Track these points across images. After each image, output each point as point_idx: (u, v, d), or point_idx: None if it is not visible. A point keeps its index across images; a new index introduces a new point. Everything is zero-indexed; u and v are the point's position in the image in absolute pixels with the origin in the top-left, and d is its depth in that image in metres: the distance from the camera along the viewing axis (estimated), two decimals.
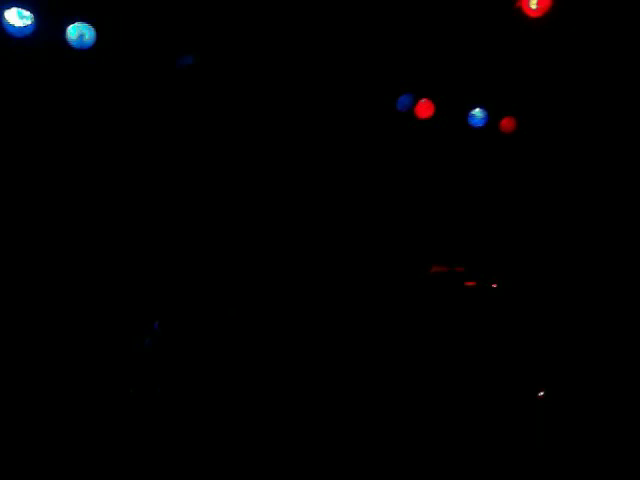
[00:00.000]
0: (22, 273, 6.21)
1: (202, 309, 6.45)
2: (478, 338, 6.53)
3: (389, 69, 6.76)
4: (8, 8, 5.74)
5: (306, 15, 6.29)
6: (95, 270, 6.39)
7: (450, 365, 6.41)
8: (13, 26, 5.78)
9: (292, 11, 6.26)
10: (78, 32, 5.96)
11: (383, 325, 6.65)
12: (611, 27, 6.14)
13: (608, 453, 5.59)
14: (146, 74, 6.29)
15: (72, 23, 5.93)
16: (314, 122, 6.84)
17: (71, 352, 6.09)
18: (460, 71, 6.78)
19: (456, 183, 7.15)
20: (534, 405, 6.13)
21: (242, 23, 6.29)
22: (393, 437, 5.91)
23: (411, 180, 7.13)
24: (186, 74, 6.36)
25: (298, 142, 6.87)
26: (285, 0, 6.21)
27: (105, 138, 6.43)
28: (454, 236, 7.12)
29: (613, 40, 6.23)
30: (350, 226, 6.98)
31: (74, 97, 6.29)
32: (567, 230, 6.89)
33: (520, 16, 6.01)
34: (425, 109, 6.89)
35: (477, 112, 6.95)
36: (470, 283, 6.79)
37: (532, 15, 5.97)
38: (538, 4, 5.92)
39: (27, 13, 5.78)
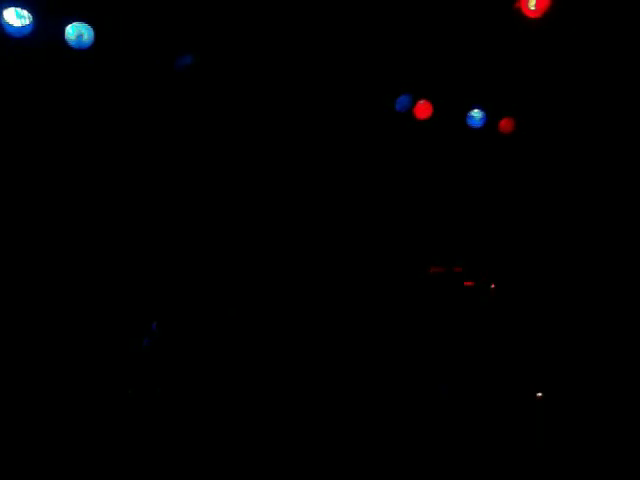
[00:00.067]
0: (20, 274, 6.20)
1: (200, 309, 6.45)
2: (476, 337, 6.53)
3: (388, 70, 6.76)
4: (6, 8, 5.73)
5: (305, 16, 6.28)
6: (93, 271, 6.38)
7: (449, 364, 6.41)
8: (12, 26, 5.77)
9: (291, 12, 6.25)
10: (76, 32, 5.95)
11: (382, 324, 6.65)
12: (610, 28, 6.14)
13: (606, 453, 5.58)
14: (144, 74, 6.29)
15: (70, 23, 5.92)
16: (313, 122, 6.84)
17: (70, 352, 6.08)
18: (459, 72, 6.78)
19: (455, 183, 7.15)
20: (532, 405, 6.13)
21: (241, 23, 6.28)
22: (390, 436, 5.91)
23: (410, 180, 7.14)
24: (185, 74, 6.35)
25: (297, 142, 6.87)
26: (284, 1, 6.21)
27: (104, 138, 6.43)
28: (453, 236, 7.12)
29: (612, 41, 6.23)
30: (349, 226, 6.98)
31: (73, 97, 6.28)
32: (565, 230, 6.89)
33: (519, 17, 6.00)
34: (424, 110, 6.89)
35: (476, 113, 6.95)
36: (469, 283, 6.79)
37: (531, 16, 5.96)
38: (537, 5, 5.91)
39: (25, 13, 5.77)
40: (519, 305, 6.72)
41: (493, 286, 6.79)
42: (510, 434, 5.91)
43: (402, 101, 6.85)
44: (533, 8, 5.93)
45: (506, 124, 6.98)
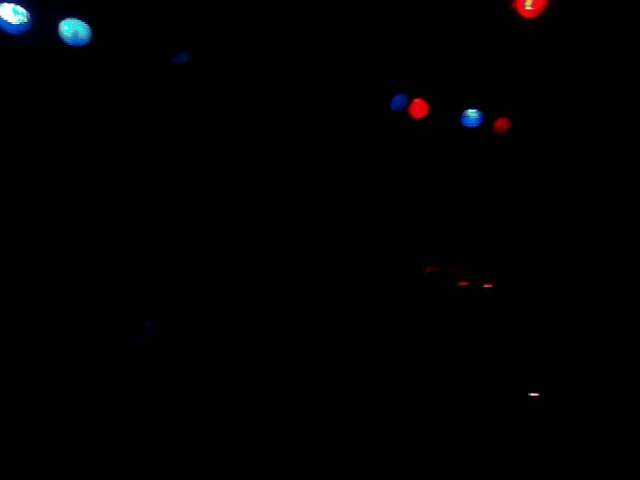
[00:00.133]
0: (12, 271, 6.17)
1: (196, 307, 6.44)
2: (472, 338, 6.54)
3: (384, 69, 6.76)
4: (3, 4, 5.70)
5: (300, 15, 6.28)
6: (87, 268, 6.36)
7: (444, 364, 6.42)
8: (7, 22, 5.75)
9: (287, 10, 6.25)
10: (73, 29, 5.93)
11: (376, 325, 6.65)
12: (606, 28, 6.16)
13: (605, 453, 5.60)
14: (142, 71, 6.28)
15: (67, 20, 5.90)
16: (307, 121, 6.84)
17: (62, 350, 6.06)
18: (455, 71, 6.79)
19: (450, 183, 7.15)
20: (528, 406, 6.15)
21: (237, 21, 6.27)
22: (386, 436, 5.91)
23: (405, 180, 7.14)
24: (182, 71, 6.34)
25: (291, 141, 6.87)
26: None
27: (100, 136, 6.41)
28: (448, 236, 7.12)
29: (608, 41, 6.25)
30: (343, 225, 6.97)
31: (69, 94, 6.27)
32: (561, 230, 6.91)
33: (515, 17, 6.01)
34: (419, 109, 6.90)
35: (472, 112, 6.96)
36: (464, 283, 6.80)
37: (527, 16, 5.97)
38: (533, 5, 5.92)
39: (22, 9, 5.75)
40: (515, 305, 6.73)
41: (489, 286, 6.80)
42: (505, 434, 5.92)
43: (398, 100, 6.86)
44: (530, 8, 5.94)
45: (502, 124, 6.99)
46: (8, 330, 5.99)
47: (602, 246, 6.72)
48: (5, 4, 5.71)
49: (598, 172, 6.79)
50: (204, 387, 6.09)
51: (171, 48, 6.27)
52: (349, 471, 5.59)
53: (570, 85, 6.65)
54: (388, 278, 6.95)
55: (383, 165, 7.08)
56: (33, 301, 6.12)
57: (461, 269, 6.85)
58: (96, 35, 5.97)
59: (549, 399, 6.15)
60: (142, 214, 6.55)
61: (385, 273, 6.98)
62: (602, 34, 6.21)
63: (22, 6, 5.73)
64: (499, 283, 6.81)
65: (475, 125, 6.98)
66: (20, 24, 5.75)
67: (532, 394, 6.20)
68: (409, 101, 6.87)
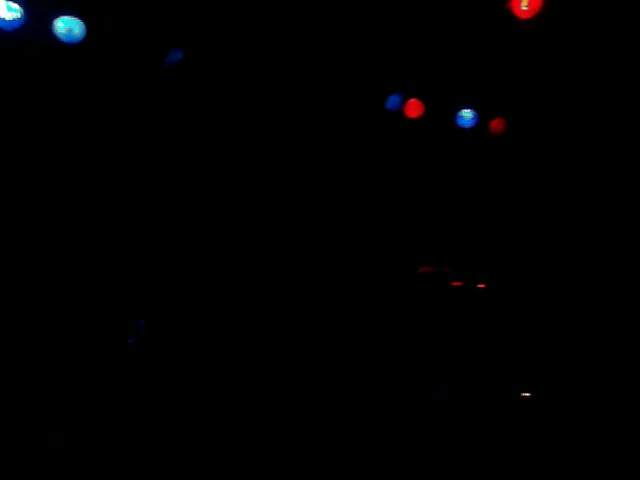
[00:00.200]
0: (5, 270, 6.16)
1: (188, 307, 6.43)
2: (465, 338, 6.54)
3: (379, 68, 6.76)
4: None
5: (296, 15, 6.28)
6: (81, 268, 6.35)
7: (437, 364, 6.41)
8: (2, 19, 5.73)
9: (282, 10, 6.25)
10: (67, 26, 5.91)
11: (370, 325, 6.65)
12: (601, 29, 6.17)
13: (600, 453, 5.60)
14: (136, 69, 6.27)
15: (61, 17, 5.89)
16: (303, 120, 6.84)
17: (56, 350, 6.05)
18: (450, 72, 6.79)
19: (445, 183, 7.16)
20: (520, 405, 6.15)
21: (232, 20, 6.27)
22: (379, 435, 5.91)
23: (399, 179, 7.14)
24: (176, 69, 6.33)
25: (286, 141, 6.86)
26: None
27: (93, 133, 6.40)
28: (441, 236, 7.13)
29: (603, 42, 6.25)
30: (337, 225, 6.97)
31: (63, 91, 6.26)
32: (554, 230, 6.92)
33: (511, 17, 6.01)
34: (414, 109, 6.90)
35: (466, 113, 6.96)
36: (457, 283, 6.80)
37: (522, 16, 5.97)
38: (529, 5, 5.92)
39: (16, 6, 5.73)
40: (508, 304, 6.74)
41: (482, 286, 6.80)
42: (498, 434, 5.92)
43: (393, 100, 6.86)
44: (525, 9, 5.94)
45: (497, 124, 7.00)
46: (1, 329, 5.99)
47: (595, 246, 6.72)
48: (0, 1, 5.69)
49: (592, 172, 6.80)
50: (197, 386, 6.09)
51: (165, 46, 6.25)
52: (341, 470, 5.59)
53: (565, 85, 6.66)
54: (382, 278, 6.95)
55: (377, 165, 7.08)
56: (27, 301, 6.11)
57: (454, 269, 6.85)
58: (90, 32, 5.95)
59: (541, 398, 6.15)
60: (137, 212, 6.54)
61: (379, 273, 6.98)
62: (597, 35, 6.22)
63: (16, 2, 5.71)
64: (492, 283, 6.81)
65: (470, 125, 6.98)
66: (14, 20, 5.73)
67: (524, 394, 6.20)
68: (404, 101, 6.87)
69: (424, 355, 6.46)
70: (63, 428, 5.62)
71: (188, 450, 5.65)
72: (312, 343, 6.49)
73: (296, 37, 6.41)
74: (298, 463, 5.62)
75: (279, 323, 6.52)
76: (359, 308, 6.74)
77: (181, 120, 6.59)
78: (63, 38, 5.92)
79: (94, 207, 6.44)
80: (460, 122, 6.96)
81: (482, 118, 6.97)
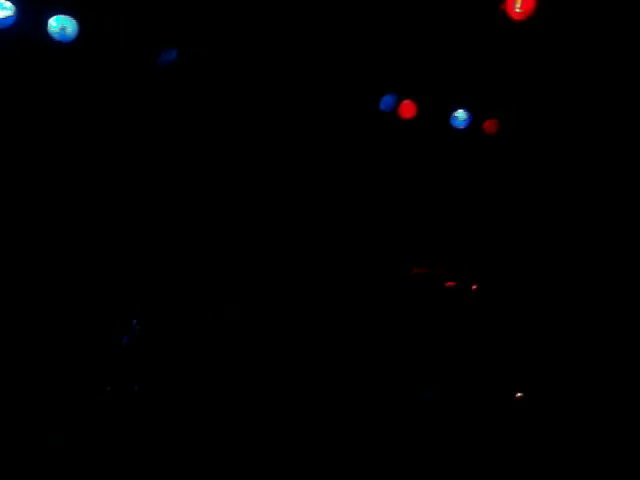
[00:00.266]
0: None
1: (181, 306, 6.42)
2: (458, 339, 6.55)
3: (373, 69, 6.76)
4: None
5: (290, 15, 6.28)
6: (73, 266, 6.33)
7: (430, 364, 6.42)
8: None
9: (276, 11, 6.25)
10: (60, 25, 5.90)
11: (364, 325, 6.65)
12: (595, 30, 6.18)
13: (596, 453, 5.61)
14: (130, 68, 6.25)
15: (54, 15, 5.87)
16: (297, 121, 6.83)
17: (48, 349, 6.03)
18: (444, 72, 6.80)
19: (438, 184, 7.17)
20: (513, 406, 6.16)
21: (226, 18, 6.26)
22: (375, 435, 5.91)
23: (393, 180, 7.14)
24: (170, 68, 6.32)
25: (279, 141, 6.86)
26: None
27: (87, 132, 6.38)
28: (435, 237, 7.13)
29: (596, 43, 6.27)
30: (330, 225, 6.97)
31: (55, 90, 6.23)
32: (548, 231, 6.93)
33: (504, 19, 6.02)
34: (408, 109, 6.90)
35: (460, 113, 6.97)
36: (450, 284, 6.81)
37: (516, 18, 5.99)
38: (522, 7, 5.93)
39: (8, 4, 5.71)
40: (501, 305, 6.75)
41: (475, 287, 6.81)
42: (495, 433, 5.92)
43: (386, 101, 6.86)
44: (519, 10, 5.95)
45: (490, 125, 7.01)
46: None
47: (588, 246, 6.74)
48: None
49: (585, 173, 6.81)
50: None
51: (159, 45, 6.24)
52: (337, 468, 5.59)
53: (558, 87, 6.67)
54: (375, 278, 6.95)
55: (371, 165, 7.08)
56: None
57: (448, 270, 6.86)
58: (83, 31, 5.94)
59: (535, 399, 6.16)
60: (132, 211, 6.53)
61: (372, 273, 6.98)
62: (590, 36, 6.24)
63: (8, 0, 5.69)
64: (486, 284, 6.82)
65: (464, 126, 6.99)
66: (6, 18, 5.70)
67: (518, 394, 6.21)
68: (398, 102, 6.87)
69: (417, 355, 6.47)
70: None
71: (187, 450, 5.64)
72: (306, 343, 6.49)
73: (290, 38, 6.40)
74: (295, 462, 5.62)
75: (274, 323, 6.52)
76: (353, 308, 6.74)
77: (175, 119, 6.57)
78: (56, 37, 5.90)
79: (88, 206, 6.42)
80: (454, 123, 6.97)
81: (476, 119, 6.98)
